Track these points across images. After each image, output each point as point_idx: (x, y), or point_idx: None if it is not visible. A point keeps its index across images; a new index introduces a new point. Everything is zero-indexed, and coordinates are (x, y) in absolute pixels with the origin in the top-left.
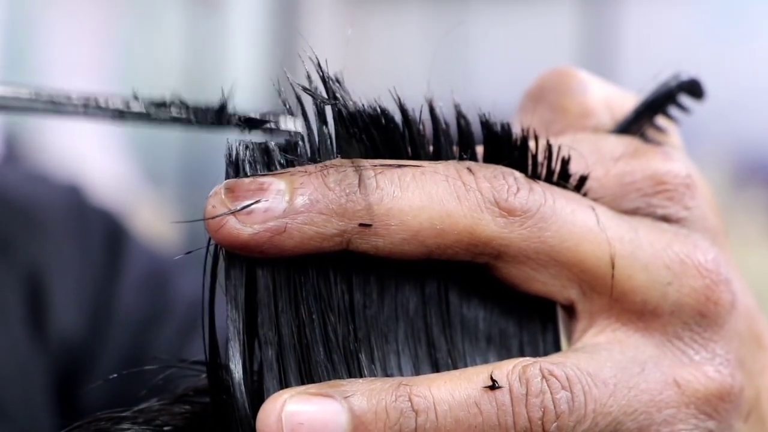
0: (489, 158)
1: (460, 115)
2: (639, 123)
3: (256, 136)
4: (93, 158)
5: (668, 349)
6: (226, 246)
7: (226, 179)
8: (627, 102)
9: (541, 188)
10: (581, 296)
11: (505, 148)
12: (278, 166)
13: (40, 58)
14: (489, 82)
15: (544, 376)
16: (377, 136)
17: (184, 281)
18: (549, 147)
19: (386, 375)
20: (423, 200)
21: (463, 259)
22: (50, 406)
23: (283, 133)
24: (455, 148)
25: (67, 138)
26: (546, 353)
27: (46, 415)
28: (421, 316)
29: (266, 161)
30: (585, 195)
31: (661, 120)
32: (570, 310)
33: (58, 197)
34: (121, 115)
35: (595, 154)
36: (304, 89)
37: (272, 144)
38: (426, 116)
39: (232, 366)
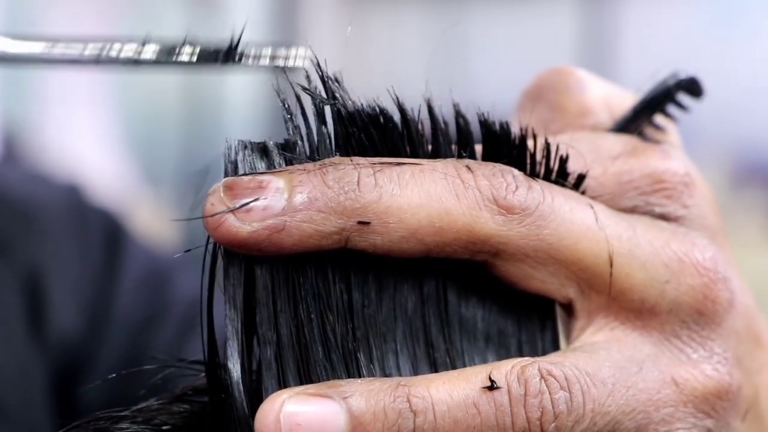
0: (488, 157)
1: (458, 115)
2: (637, 122)
3: (262, 73)
4: (92, 158)
5: (666, 348)
6: (225, 244)
7: (224, 178)
8: (625, 101)
9: (539, 186)
10: (579, 294)
11: (503, 146)
12: (277, 165)
13: None
14: (488, 82)
15: (542, 376)
16: (376, 135)
17: (182, 281)
18: (547, 145)
19: (385, 374)
20: (422, 198)
21: (462, 257)
22: (49, 405)
23: (293, 70)
24: (454, 147)
25: (66, 138)
26: (545, 352)
27: (44, 414)
28: (420, 316)
29: (265, 160)
30: (583, 193)
31: (659, 119)
32: (568, 309)
33: (57, 197)
34: (135, 62)
35: (593, 152)
36: (303, 89)
37: (271, 143)
38: (425, 115)
39: (230, 365)
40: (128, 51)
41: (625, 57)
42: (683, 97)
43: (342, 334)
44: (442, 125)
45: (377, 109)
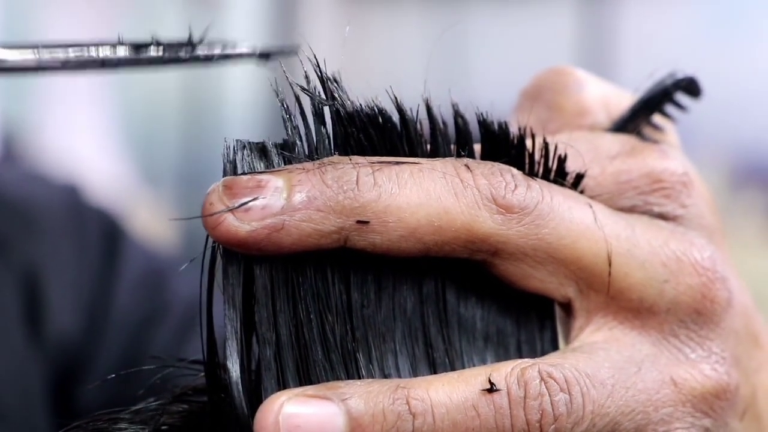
0: (486, 157)
1: (457, 114)
2: (635, 121)
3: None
4: (91, 158)
5: (665, 347)
6: (224, 243)
7: (223, 177)
8: (623, 100)
9: (538, 185)
10: (578, 294)
11: (502, 146)
12: (275, 165)
13: None
14: (487, 82)
15: (542, 379)
16: (375, 135)
17: (181, 281)
18: (546, 145)
19: (384, 375)
20: (420, 197)
21: (461, 257)
22: (47, 406)
23: (243, 57)
24: (453, 147)
25: (64, 138)
26: (543, 352)
27: (43, 415)
28: (419, 316)
29: (264, 160)
30: (582, 193)
31: (657, 118)
32: (567, 308)
33: (55, 197)
34: (105, 64)
35: (591, 152)
36: (302, 89)
37: (269, 143)
38: (423, 116)
39: (229, 365)
40: (103, 52)
41: (623, 57)
42: (681, 97)
43: (341, 334)
44: (441, 125)
45: (376, 110)
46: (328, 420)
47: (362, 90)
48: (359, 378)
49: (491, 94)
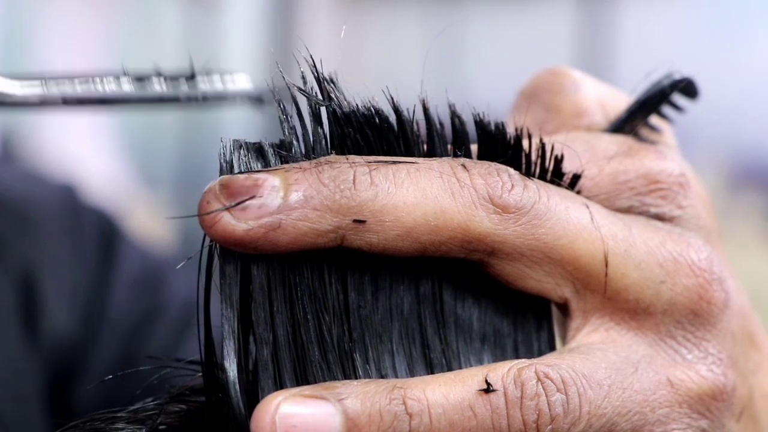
0: (483, 157)
1: (454, 115)
2: (633, 122)
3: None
4: (88, 158)
5: (661, 348)
6: (221, 242)
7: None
8: (620, 101)
9: (535, 185)
10: (575, 294)
11: (499, 147)
12: (272, 165)
13: (37, 58)
14: (485, 83)
15: (539, 379)
16: (371, 136)
17: (178, 281)
18: (542, 145)
19: (381, 375)
20: (417, 197)
21: (457, 256)
22: (43, 406)
23: (238, 100)
24: (449, 147)
25: (62, 138)
26: (540, 352)
27: (39, 415)
28: (416, 316)
29: (261, 160)
30: (579, 193)
31: (655, 119)
32: (564, 308)
33: (52, 197)
34: (106, 102)
35: (588, 152)
36: (299, 90)
37: (266, 143)
38: (420, 116)
39: (227, 365)
40: (108, 85)
41: (622, 58)
42: (679, 98)
43: (338, 334)
44: (438, 126)
45: (373, 110)
46: (325, 420)
47: (359, 90)
48: (356, 378)
49: (488, 94)
